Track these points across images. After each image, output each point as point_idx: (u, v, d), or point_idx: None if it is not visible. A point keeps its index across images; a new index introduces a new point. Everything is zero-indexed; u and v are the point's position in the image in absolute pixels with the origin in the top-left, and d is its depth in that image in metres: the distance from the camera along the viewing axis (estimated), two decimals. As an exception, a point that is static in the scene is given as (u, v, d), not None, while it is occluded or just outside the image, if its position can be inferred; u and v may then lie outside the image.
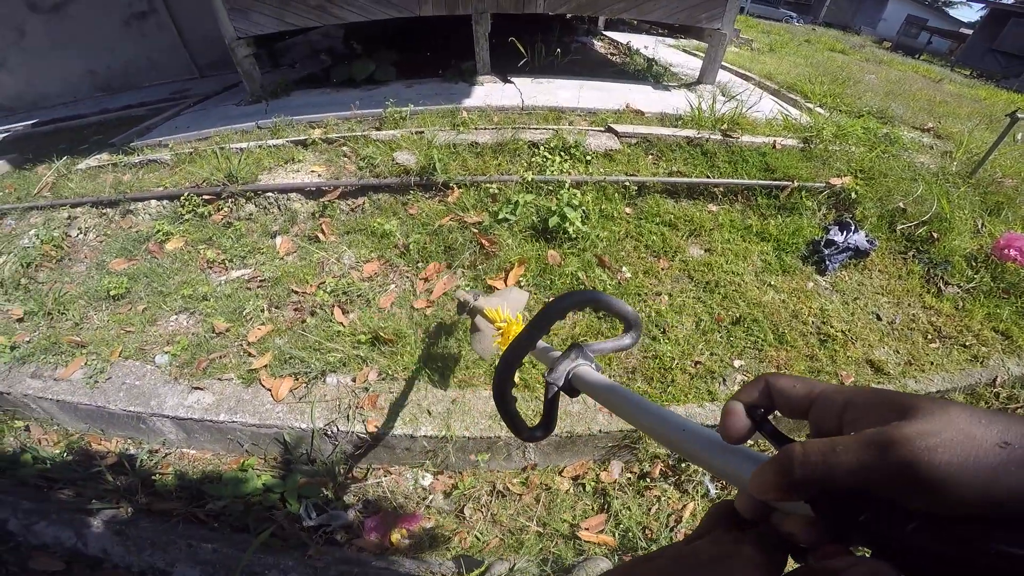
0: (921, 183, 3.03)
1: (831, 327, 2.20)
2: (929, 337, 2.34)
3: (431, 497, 1.88)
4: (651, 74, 4.38)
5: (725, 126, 3.20)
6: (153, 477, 1.91)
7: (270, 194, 2.80)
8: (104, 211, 3.04)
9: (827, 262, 2.50)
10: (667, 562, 0.32)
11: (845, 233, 2.62)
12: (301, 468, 1.88)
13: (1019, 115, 2.93)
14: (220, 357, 2.05)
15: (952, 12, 32.07)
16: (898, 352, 2.22)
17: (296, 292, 2.23)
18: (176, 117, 4.43)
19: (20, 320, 2.38)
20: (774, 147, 3.07)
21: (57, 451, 1.99)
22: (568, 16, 6.03)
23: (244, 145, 3.22)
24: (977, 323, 2.42)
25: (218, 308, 2.25)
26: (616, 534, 1.79)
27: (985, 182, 3.30)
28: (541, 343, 0.71)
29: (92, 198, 3.08)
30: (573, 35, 6.01)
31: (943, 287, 2.63)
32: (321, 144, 3.06)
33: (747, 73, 4.95)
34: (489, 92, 3.63)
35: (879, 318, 2.36)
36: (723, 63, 4.88)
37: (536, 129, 3.00)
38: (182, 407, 1.90)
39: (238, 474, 1.87)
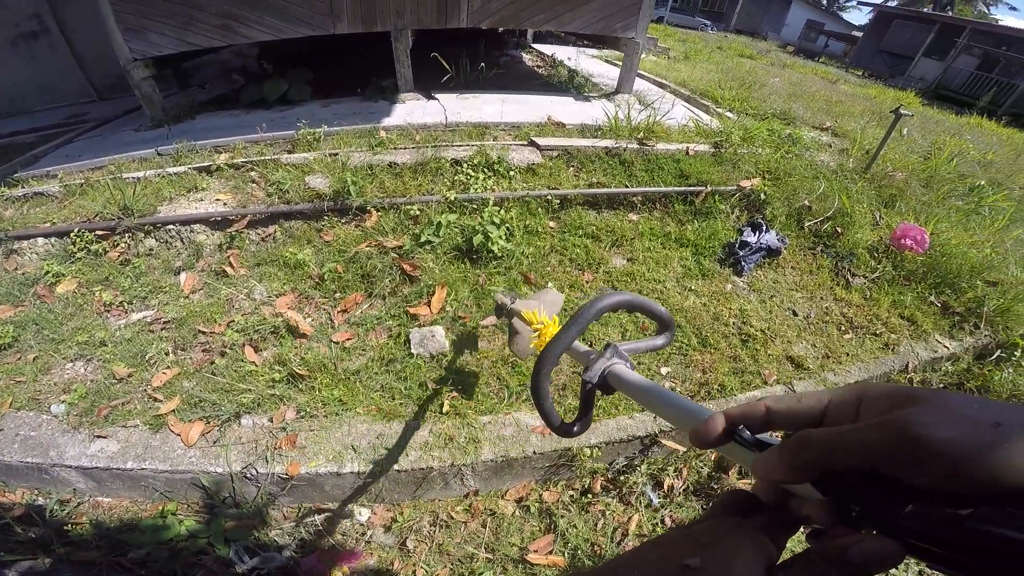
0: (823, 181, 3.26)
1: (751, 327, 2.29)
2: (843, 329, 2.49)
3: (370, 532, 1.79)
4: (573, 85, 4.48)
5: (641, 135, 3.30)
6: (66, 528, 1.75)
7: (171, 227, 2.58)
8: (-17, 252, 2.69)
9: (743, 263, 2.62)
10: (670, 544, 0.34)
11: (758, 234, 2.75)
12: (226, 511, 1.77)
13: (902, 111, 3.21)
14: (123, 404, 1.89)
15: (845, 16, 35.17)
16: (815, 346, 2.35)
17: (203, 332, 2.06)
18: (68, 144, 4.03)
19: None
20: (687, 153, 3.20)
21: None
22: (499, 30, 6.07)
23: (141, 174, 2.96)
24: (884, 311, 2.60)
25: (118, 353, 2.06)
26: (565, 553, 1.76)
27: (879, 176, 3.59)
28: (577, 343, 0.73)
29: (-33, 237, 2.72)
30: (503, 48, 6.05)
31: (851, 279, 2.82)
32: (227, 170, 2.87)
33: (663, 81, 5.17)
34: (411, 110, 3.56)
35: (795, 314, 2.49)
36: (640, 71, 5.08)
37: (459, 146, 2.97)
38: (85, 456, 1.76)
39: (157, 521, 1.74)
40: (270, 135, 3.16)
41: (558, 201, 2.65)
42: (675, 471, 1.97)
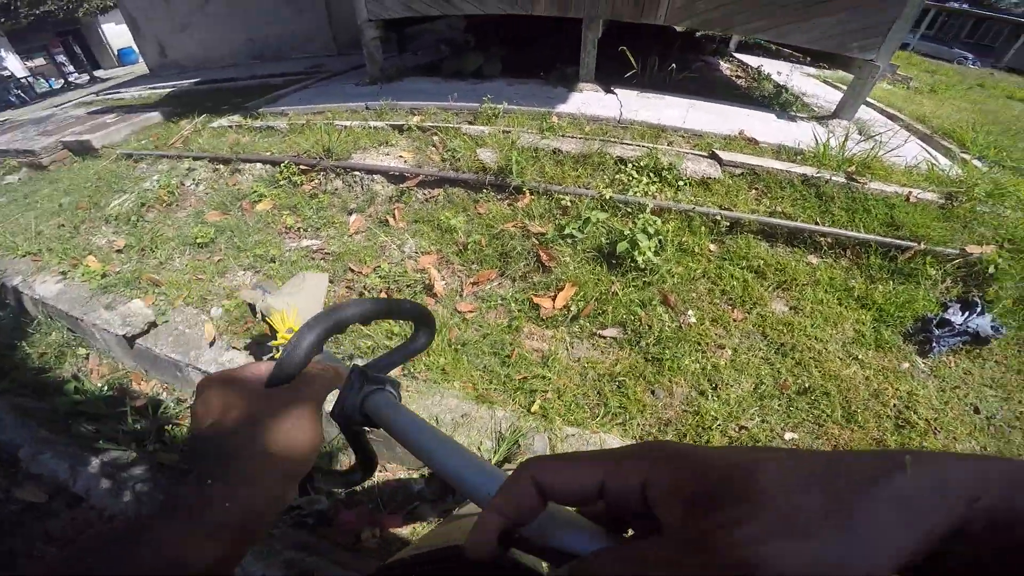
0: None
1: (914, 413, 1.82)
2: (1032, 437, 1.84)
3: (417, 503, 1.80)
4: (778, 102, 3.96)
5: (853, 168, 2.77)
6: (166, 428, 1.99)
7: (358, 172, 2.92)
8: (217, 167, 3.38)
9: (935, 343, 2.07)
10: None
11: (967, 314, 2.15)
12: None
13: None
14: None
15: None
16: (986, 449, 1.78)
17: (353, 271, 2.30)
18: (303, 90, 4.84)
19: (119, 251, 2.69)
20: (907, 199, 2.61)
21: (99, 385, 2.17)
22: (697, 33, 5.67)
23: (348, 123, 3.41)
24: None
25: (280, 272, 2.38)
26: None
27: None
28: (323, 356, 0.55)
29: (211, 154, 3.44)
30: (699, 53, 5.62)
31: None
32: (415, 131, 3.15)
33: (896, 113, 4.29)
34: (587, 100, 3.50)
35: (977, 411, 1.91)
36: (869, 99, 4.28)
37: (628, 144, 2.83)
38: (215, 363, 1.99)
39: None
40: (459, 105, 3.38)
41: (727, 224, 2.37)
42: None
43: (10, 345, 2.39)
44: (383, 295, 2.14)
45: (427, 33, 6.49)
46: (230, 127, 3.89)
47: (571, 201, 2.41)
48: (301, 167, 3.06)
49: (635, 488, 0.24)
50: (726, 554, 0.19)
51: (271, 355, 1.29)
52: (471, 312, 2.05)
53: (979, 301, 2.23)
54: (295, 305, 1.23)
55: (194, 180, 3.29)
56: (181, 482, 0.34)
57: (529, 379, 1.84)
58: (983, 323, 2.14)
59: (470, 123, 3.22)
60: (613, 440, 1.71)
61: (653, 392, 1.80)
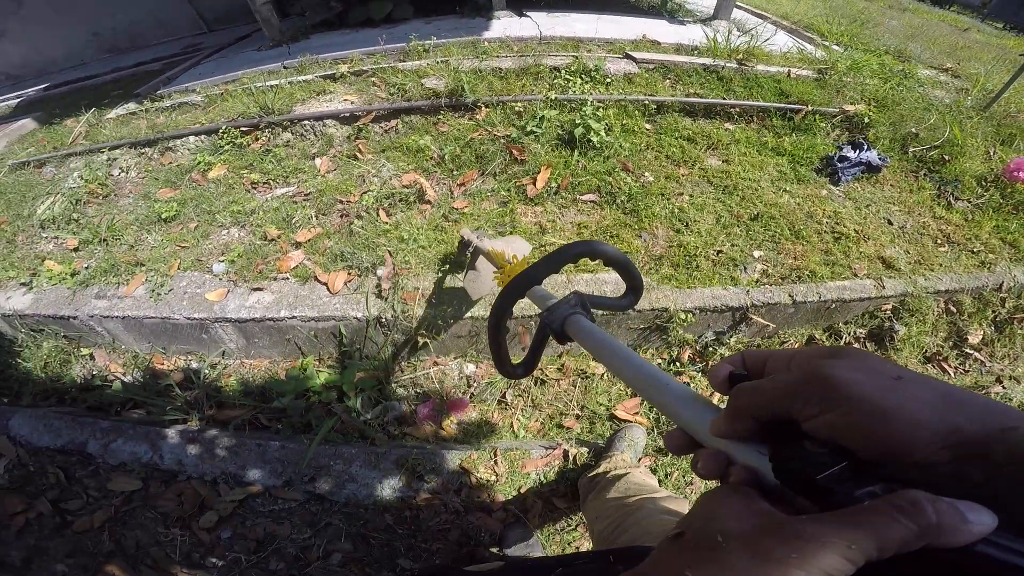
0: (935, 113, 3.11)
1: (844, 227, 2.33)
2: (939, 242, 2.45)
3: (476, 385, 2.01)
4: (666, 9, 4.43)
5: (740, 56, 3.27)
6: (218, 386, 2.02)
7: (306, 122, 2.93)
8: (143, 151, 3.19)
9: (840, 174, 2.62)
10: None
11: (858, 151, 2.72)
12: (357, 364, 1.98)
13: None
14: (276, 259, 2.21)
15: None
16: (908, 252, 2.34)
17: (341, 201, 2.39)
18: (197, 66, 4.54)
19: (75, 249, 2.53)
20: (788, 75, 3.15)
21: (124, 373, 2.14)
22: None
23: (276, 82, 3.34)
24: (985, 233, 2.52)
25: (267, 219, 2.40)
26: (650, 416, 1.94)
27: (999, 115, 3.35)
28: (540, 287, 0.69)
29: (130, 140, 3.23)
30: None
31: (953, 202, 2.73)
32: (349, 77, 3.18)
33: (763, 13, 4.94)
34: (507, 25, 3.71)
35: (890, 223, 2.49)
36: (739, 3, 4.88)
37: (556, 56, 3.11)
38: (243, 308, 1.97)
39: (299, 372, 1.98)
40: (385, 47, 3.43)
41: (655, 106, 2.75)
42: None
43: (3, 367, 2.22)
44: (380, 212, 2.27)
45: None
46: (132, 114, 3.63)
47: (523, 107, 2.66)
48: (241, 129, 2.99)
49: (787, 358, 0.35)
50: (816, 371, 0.30)
51: (493, 282, 1.52)
52: (466, 207, 2.25)
53: (864, 142, 2.80)
54: (504, 250, 1.48)
55: (121, 168, 3.09)
56: None
57: (538, 245, 2.09)
58: (872, 156, 2.71)
59: (401, 61, 3.30)
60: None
61: (640, 236, 2.15)
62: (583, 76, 2.88)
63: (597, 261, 0.65)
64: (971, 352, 2.26)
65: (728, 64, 3.15)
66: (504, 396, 2.01)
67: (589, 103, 2.60)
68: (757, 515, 0.28)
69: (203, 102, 3.49)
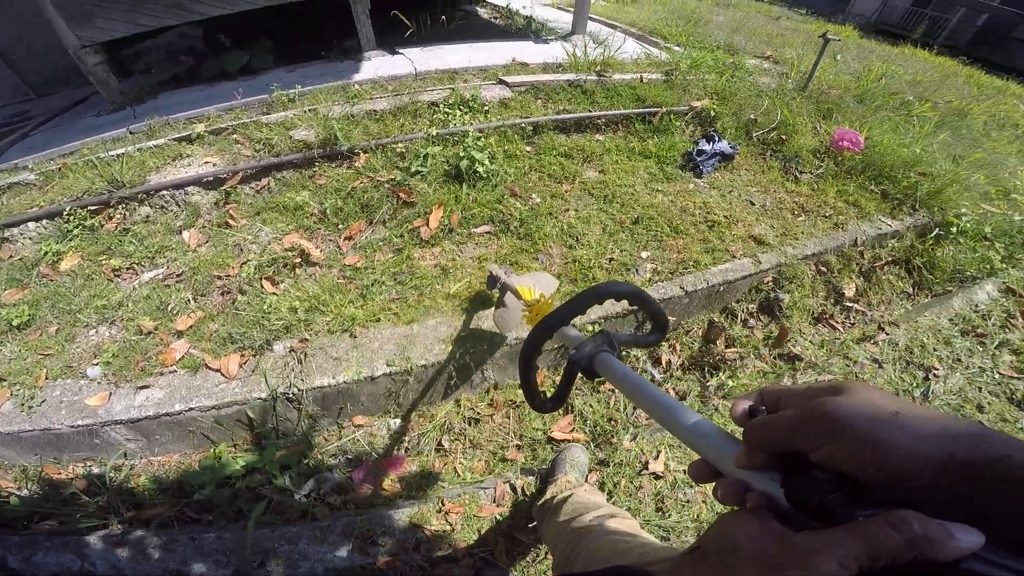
0: (765, 99, 3.55)
1: (715, 215, 2.58)
2: (796, 213, 2.79)
3: (407, 439, 1.96)
4: (531, 30, 4.65)
5: (599, 68, 3.52)
6: (129, 487, 1.83)
7: (164, 192, 2.67)
8: (-30, 246, 2.73)
9: (701, 167, 2.91)
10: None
11: (711, 143, 3.04)
12: (275, 443, 1.88)
13: (829, 36, 3.51)
14: (157, 353, 2.00)
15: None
16: (773, 227, 2.64)
17: (219, 277, 2.20)
18: (27, 138, 3.98)
19: None
20: (642, 81, 3.44)
21: (18, 487, 1.86)
22: None
23: (121, 151, 3.01)
24: (831, 198, 2.91)
25: (139, 310, 2.15)
26: (585, 430, 1.99)
27: (816, 93, 3.89)
28: (567, 327, 0.73)
29: (-51, 235, 2.74)
30: (458, 4, 6.11)
31: (799, 175, 3.13)
32: (208, 136, 2.95)
33: (614, 22, 5.36)
34: (378, 65, 3.66)
35: (752, 203, 2.79)
36: (592, 15, 5.26)
37: (433, 90, 3.13)
38: (133, 408, 1.81)
39: (213, 461, 1.84)
40: (243, 101, 3.23)
41: (531, 128, 2.88)
42: (670, 348, 2.25)
43: None
44: (264, 283, 2.13)
45: (151, 50, 5.71)
46: (-56, 205, 3.09)
47: (405, 147, 2.64)
48: (90, 209, 2.66)
49: (799, 394, 0.38)
50: (819, 406, 0.32)
51: (521, 314, 1.51)
52: (359, 261, 2.18)
53: (715, 134, 3.12)
54: (531, 286, 1.49)
55: (-58, 272, 2.61)
56: None
57: (437, 287, 2.08)
58: (723, 146, 3.03)
59: (265, 114, 3.13)
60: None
61: (537, 259, 2.22)
62: (462, 107, 2.92)
63: (622, 301, 0.70)
64: (851, 304, 2.58)
65: (589, 77, 3.37)
66: (441, 443, 1.97)
67: (470, 134, 2.65)
68: (766, 531, 0.31)
69: (38, 180, 3.05)
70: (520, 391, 2.06)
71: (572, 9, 4.68)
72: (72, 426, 1.80)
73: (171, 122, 3.31)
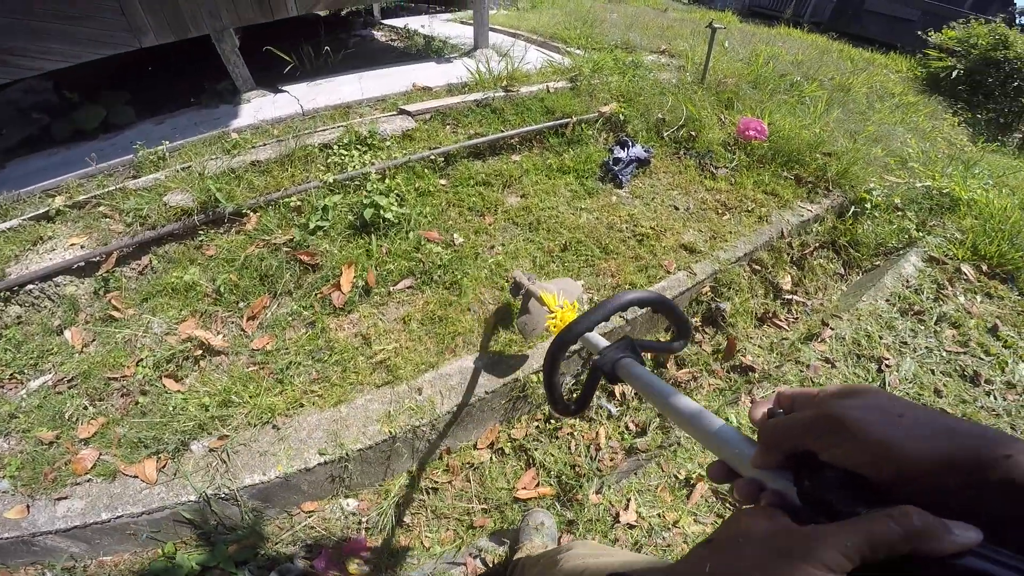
0: (669, 95, 3.58)
1: (642, 227, 2.53)
2: (720, 212, 2.81)
3: (365, 519, 1.80)
4: (432, 50, 4.45)
5: (505, 83, 3.40)
6: None
7: (31, 286, 2.25)
8: None
9: (620, 176, 2.86)
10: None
11: (626, 149, 3.00)
12: (223, 537, 1.70)
13: (715, 25, 3.60)
14: (65, 463, 1.71)
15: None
16: (702, 231, 2.63)
17: (114, 378, 1.88)
18: None
19: None
20: (548, 91, 3.36)
21: None
22: (343, 12, 5.74)
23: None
24: (750, 191, 2.96)
25: (35, 420, 1.82)
26: (550, 482, 1.88)
27: (714, 84, 4.00)
28: (591, 332, 0.74)
29: None
30: (351, 30, 5.77)
31: (715, 171, 3.18)
32: (69, 212, 2.53)
33: (516, 31, 5.28)
34: (259, 107, 3.32)
35: (677, 208, 2.78)
36: (493, 26, 5.14)
37: (324, 130, 2.85)
38: (57, 519, 1.62)
39: (166, 563, 1.67)
40: (104, 165, 2.82)
41: (443, 159, 2.68)
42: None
43: None
44: (165, 381, 1.83)
45: None
46: None
47: (300, 200, 2.36)
48: (-69, 320, 2.18)
49: (811, 397, 0.41)
50: (828, 409, 0.36)
51: (545, 324, 1.49)
52: (268, 343, 1.91)
53: (628, 139, 3.09)
54: (556, 293, 1.51)
55: None
56: None
57: (361, 359, 1.87)
58: (638, 150, 2.99)
59: (134, 177, 2.74)
60: (466, 362, 1.90)
61: (470, 310, 2.04)
62: (359, 146, 2.67)
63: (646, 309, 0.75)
64: (790, 297, 2.60)
65: (496, 94, 3.24)
66: (402, 519, 1.81)
67: (372, 176, 2.43)
68: (776, 524, 0.33)
69: None
70: (475, 452, 1.92)
71: (472, 22, 4.54)
72: (2, 538, 1.61)
73: (23, 197, 2.82)
